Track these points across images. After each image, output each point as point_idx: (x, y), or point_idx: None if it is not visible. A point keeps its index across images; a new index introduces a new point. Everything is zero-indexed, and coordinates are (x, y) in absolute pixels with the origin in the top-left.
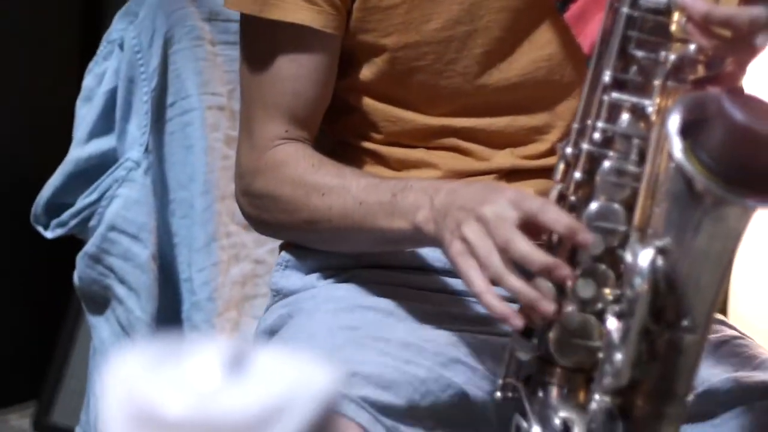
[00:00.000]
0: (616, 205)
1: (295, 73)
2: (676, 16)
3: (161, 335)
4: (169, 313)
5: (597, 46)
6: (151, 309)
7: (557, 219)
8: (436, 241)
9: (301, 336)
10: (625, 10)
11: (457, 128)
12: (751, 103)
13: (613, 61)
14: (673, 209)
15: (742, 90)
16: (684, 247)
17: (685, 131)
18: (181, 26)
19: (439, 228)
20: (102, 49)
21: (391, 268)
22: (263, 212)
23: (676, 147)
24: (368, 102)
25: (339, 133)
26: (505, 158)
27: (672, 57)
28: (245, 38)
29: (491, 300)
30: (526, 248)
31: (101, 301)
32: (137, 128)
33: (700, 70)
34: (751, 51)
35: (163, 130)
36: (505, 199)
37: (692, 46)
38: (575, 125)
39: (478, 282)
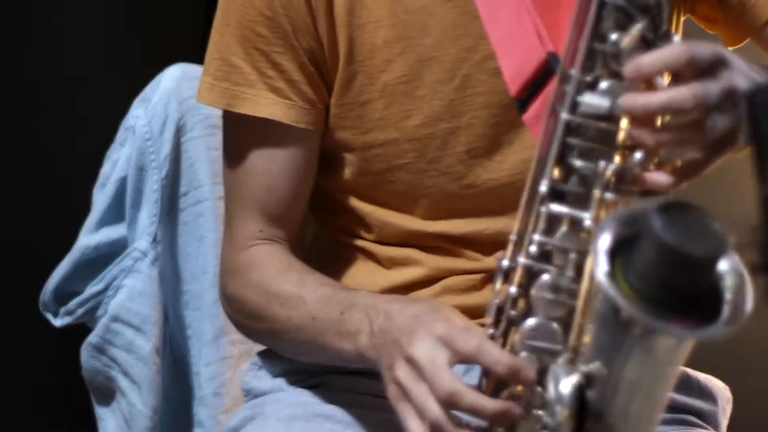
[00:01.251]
0: (552, 323)
1: (268, 168)
2: (622, 122)
3: (166, 429)
4: (181, 408)
5: (537, 153)
6: (153, 402)
7: (496, 360)
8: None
9: None
10: (564, 115)
11: (444, 233)
12: (684, 219)
13: (550, 171)
14: (601, 333)
15: (681, 205)
16: (612, 374)
17: (618, 249)
18: (194, 113)
19: (378, 360)
20: (119, 135)
21: (362, 374)
22: (235, 314)
23: (600, 269)
24: (355, 202)
25: (332, 231)
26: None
27: (611, 167)
28: (224, 132)
29: None
30: (473, 400)
31: (107, 392)
32: (147, 217)
33: (645, 181)
34: (702, 138)
35: (177, 220)
36: (433, 337)
37: (636, 155)
38: (512, 237)
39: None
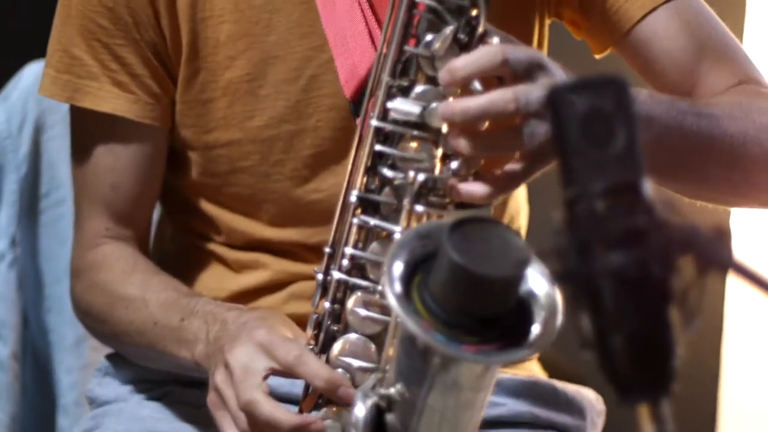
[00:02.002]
0: (367, 341)
1: (112, 165)
2: (439, 129)
3: None
4: (43, 416)
5: (350, 161)
6: (12, 410)
7: (315, 374)
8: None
9: None
10: (373, 122)
11: (292, 241)
12: (482, 236)
13: (361, 180)
14: (402, 355)
15: (480, 219)
16: (414, 398)
17: (418, 266)
18: (54, 111)
19: (209, 368)
20: None
21: (206, 386)
22: (82, 316)
23: (390, 294)
24: (204, 204)
25: (184, 233)
26: None
27: (420, 177)
28: (71, 126)
29: None
30: (269, 412)
31: None
32: (5, 218)
33: (459, 192)
34: (521, 145)
35: (38, 222)
36: (253, 344)
37: (452, 164)
38: (327, 249)
39: None
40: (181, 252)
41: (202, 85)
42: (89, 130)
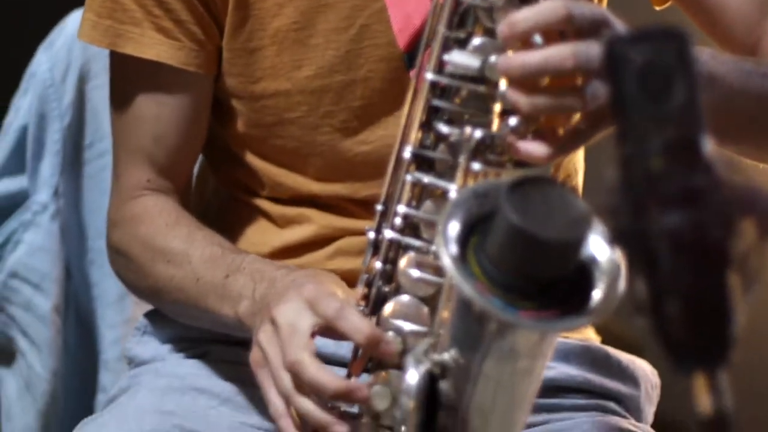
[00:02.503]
0: (420, 303)
1: (156, 114)
2: (497, 84)
3: (65, 395)
4: (86, 372)
5: (404, 116)
6: (54, 365)
7: (356, 328)
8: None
9: (118, 415)
10: (429, 75)
11: (340, 196)
12: (542, 197)
13: (415, 136)
14: (457, 320)
15: (539, 180)
16: (469, 366)
17: (474, 227)
18: (99, 60)
19: (253, 326)
20: (24, 82)
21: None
22: (119, 269)
23: (446, 252)
24: (249, 157)
25: (228, 186)
26: None
27: (477, 133)
28: (111, 73)
29: (284, 426)
30: (314, 374)
31: (7, 352)
32: (49, 169)
33: (518, 150)
34: (583, 105)
35: (81, 173)
36: (300, 300)
37: (511, 121)
38: (378, 207)
39: (274, 401)
40: (223, 205)
41: (250, 33)
42: (131, 78)
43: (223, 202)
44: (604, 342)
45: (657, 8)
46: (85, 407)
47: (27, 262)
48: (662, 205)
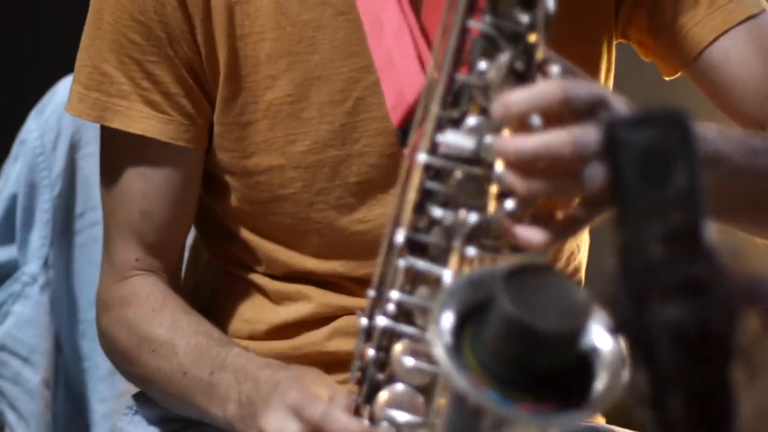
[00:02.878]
0: (415, 393)
1: (143, 189)
2: (497, 165)
3: None
4: None
5: (397, 197)
6: None
7: (344, 429)
8: None
9: None
10: (422, 157)
11: (336, 273)
12: (540, 285)
13: (408, 219)
14: (452, 412)
15: (537, 267)
16: None
17: (470, 315)
18: (91, 128)
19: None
20: (14, 149)
21: None
22: (108, 352)
23: (438, 346)
24: (243, 232)
25: (222, 261)
26: None
27: (473, 217)
28: (100, 145)
29: None
30: None
31: (1, 426)
32: (38, 239)
33: (515, 236)
34: (580, 189)
35: (72, 243)
36: (285, 408)
37: (507, 205)
38: (371, 292)
39: None
40: (217, 279)
41: (242, 106)
42: (119, 152)
43: (216, 275)
44: (609, 421)
45: (666, 78)
46: None
47: (16, 334)
48: (662, 296)
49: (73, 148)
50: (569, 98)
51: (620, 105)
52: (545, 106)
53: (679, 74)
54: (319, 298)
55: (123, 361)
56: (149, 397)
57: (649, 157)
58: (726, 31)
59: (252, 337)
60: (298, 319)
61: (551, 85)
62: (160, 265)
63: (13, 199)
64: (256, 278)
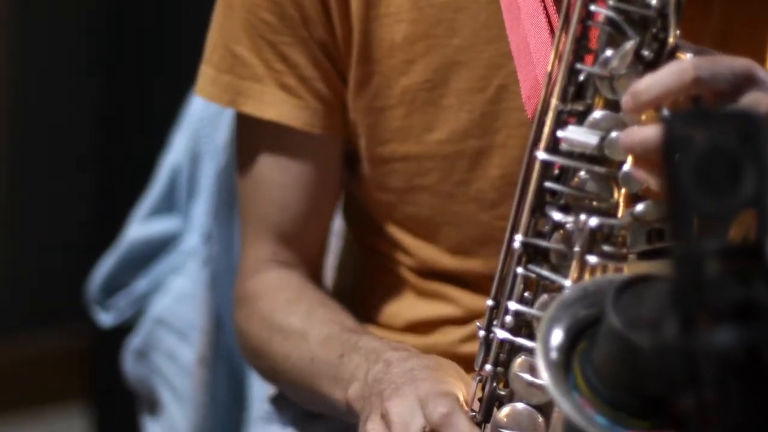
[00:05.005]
0: (532, 412)
1: (279, 180)
2: (626, 161)
3: None
4: (232, 428)
5: (515, 199)
6: (197, 420)
7: None
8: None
9: None
10: (541, 155)
11: (476, 272)
12: (654, 297)
13: (526, 222)
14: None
15: (652, 279)
16: None
17: (582, 332)
18: None
19: (361, 412)
20: (183, 118)
21: None
22: (243, 350)
23: (543, 366)
24: (383, 221)
25: (365, 247)
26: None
27: (592, 222)
28: (235, 132)
29: None
30: None
31: (153, 402)
32: (202, 212)
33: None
34: None
35: (236, 216)
36: (414, 397)
37: (638, 207)
38: (489, 302)
39: None
40: (360, 263)
41: (376, 91)
42: (253, 139)
43: (359, 258)
44: None
45: None
46: None
47: (173, 309)
48: (712, 319)
49: None
50: (702, 79)
51: None
52: (678, 90)
53: None
54: (461, 299)
55: (253, 354)
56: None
57: (710, 161)
58: None
59: (388, 327)
60: (437, 318)
61: (682, 65)
62: (298, 258)
63: (177, 168)
64: (399, 269)
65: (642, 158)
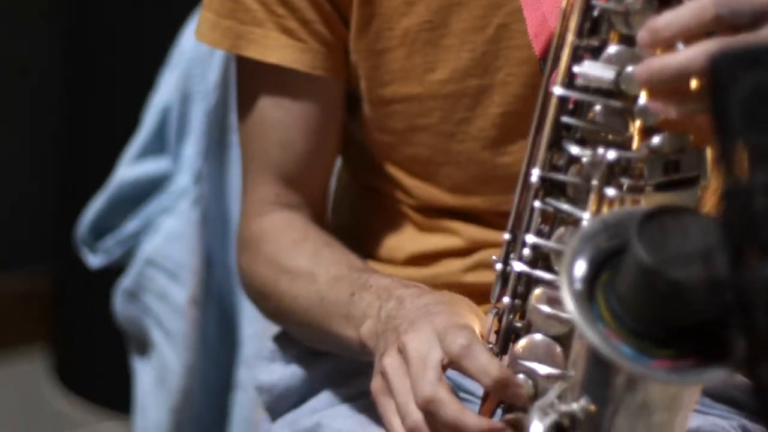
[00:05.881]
0: (550, 342)
1: (282, 121)
2: (641, 95)
3: (200, 391)
4: (225, 367)
5: (531, 134)
6: (189, 359)
7: (483, 370)
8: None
9: None
10: (557, 90)
11: (477, 208)
12: (680, 229)
13: (543, 157)
14: (589, 365)
15: (678, 210)
16: (601, 417)
17: (604, 263)
18: None
19: (376, 348)
20: (173, 57)
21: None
22: (248, 290)
23: (569, 298)
24: (384, 162)
25: (362, 186)
26: None
27: (610, 155)
28: (236, 77)
29: None
30: (454, 414)
31: (142, 343)
32: (192, 152)
33: (656, 173)
34: None
35: (226, 157)
36: (431, 330)
37: (655, 139)
38: (506, 236)
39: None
40: (357, 201)
41: (377, 33)
42: (255, 82)
43: (355, 197)
44: None
45: None
46: (221, 405)
47: (164, 250)
48: (763, 254)
49: (229, 57)
50: (723, 16)
51: None
52: (698, 27)
53: None
54: (464, 232)
55: (259, 295)
56: (289, 338)
57: (757, 99)
58: None
59: (390, 262)
60: (439, 250)
61: (702, 2)
62: (302, 200)
63: (167, 109)
64: (400, 207)
65: (658, 89)
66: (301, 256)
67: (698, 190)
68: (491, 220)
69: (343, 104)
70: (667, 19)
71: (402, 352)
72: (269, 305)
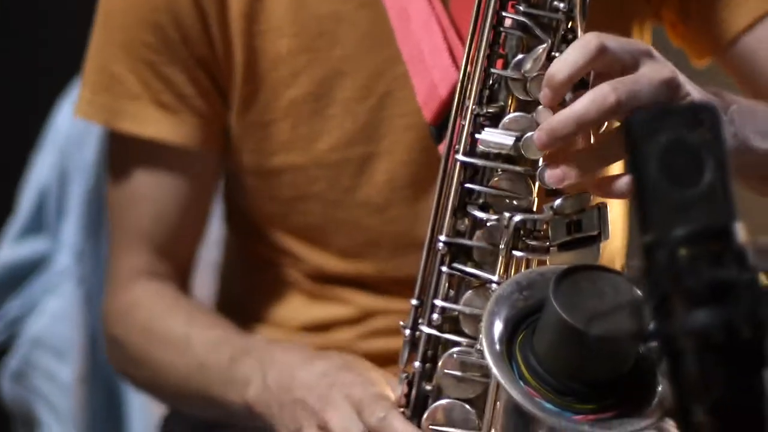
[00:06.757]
0: (463, 406)
1: (155, 194)
2: (540, 159)
3: None
4: None
5: (435, 200)
6: None
7: None
8: (272, 428)
9: None
10: (460, 157)
11: (365, 274)
12: (594, 287)
13: (448, 223)
14: (506, 423)
15: (592, 268)
16: None
17: (519, 324)
18: None
19: (274, 417)
20: (46, 136)
21: None
22: (116, 361)
23: (491, 359)
24: (271, 231)
25: (252, 258)
26: None
27: (516, 218)
28: (108, 149)
29: None
30: None
31: (31, 422)
32: (72, 231)
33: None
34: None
35: (105, 233)
36: (348, 405)
37: (556, 202)
38: (413, 301)
39: None
40: (242, 276)
41: (263, 105)
42: (129, 155)
43: (241, 272)
44: None
45: (696, 64)
46: None
47: (50, 329)
48: (688, 302)
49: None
50: (609, 46)
51: (663, 59)
52: (587, 63)
53: (707, 61)
54: (355, 299)
55: (131, 363)
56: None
57: (672, 152)
58: (763, 17)
59: (281, 327)
60: (332, 319)
61: (584, 39)
62: (171, 270)
63: (45, 188)
64: (291, 275)
65: (555, 156)
66: (175, 321)
67: (599, 247)
68: (382, 286)
69: (217, 175)
70: (558, 64)
71: (324, 430)
72: (144, 374)
